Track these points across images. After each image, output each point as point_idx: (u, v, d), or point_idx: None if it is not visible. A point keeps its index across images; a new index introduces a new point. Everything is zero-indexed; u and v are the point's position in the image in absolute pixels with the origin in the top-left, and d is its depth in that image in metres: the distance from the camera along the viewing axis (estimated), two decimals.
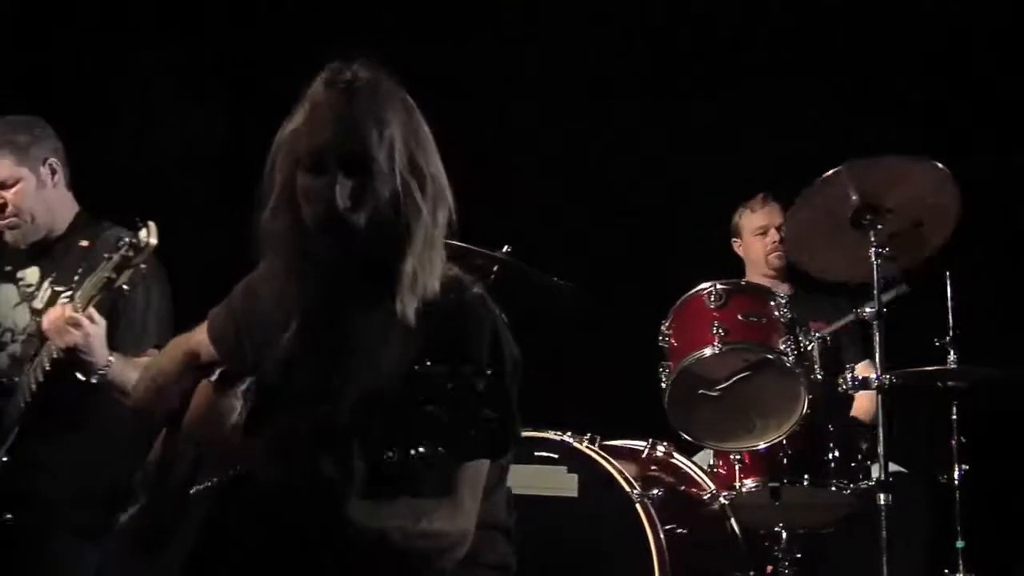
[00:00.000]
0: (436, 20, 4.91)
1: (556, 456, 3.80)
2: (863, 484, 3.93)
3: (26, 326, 3.74)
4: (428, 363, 2.28)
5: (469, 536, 2.34)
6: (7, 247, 3.83)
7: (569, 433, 3.84)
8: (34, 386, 3.53)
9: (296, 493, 2.21)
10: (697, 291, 3.97)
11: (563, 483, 3.77)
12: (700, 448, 4.24)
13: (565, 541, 3.73)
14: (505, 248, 4.18)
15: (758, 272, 4.69)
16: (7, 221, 3.74)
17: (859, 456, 4.02)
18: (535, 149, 4.86)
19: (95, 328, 3.44)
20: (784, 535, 4.04)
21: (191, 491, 2.41)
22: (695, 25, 4.88)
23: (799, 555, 4.06)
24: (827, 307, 4.41)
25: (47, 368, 3.51)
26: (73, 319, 3.40)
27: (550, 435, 3.84)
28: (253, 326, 2.55)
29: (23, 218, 3.74)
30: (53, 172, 3.78)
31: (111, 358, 3.48)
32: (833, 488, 3.94)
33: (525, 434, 3.85)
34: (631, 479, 3.72)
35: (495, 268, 4.18)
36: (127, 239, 3.33)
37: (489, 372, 2.33)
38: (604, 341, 4.65)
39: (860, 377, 3.87)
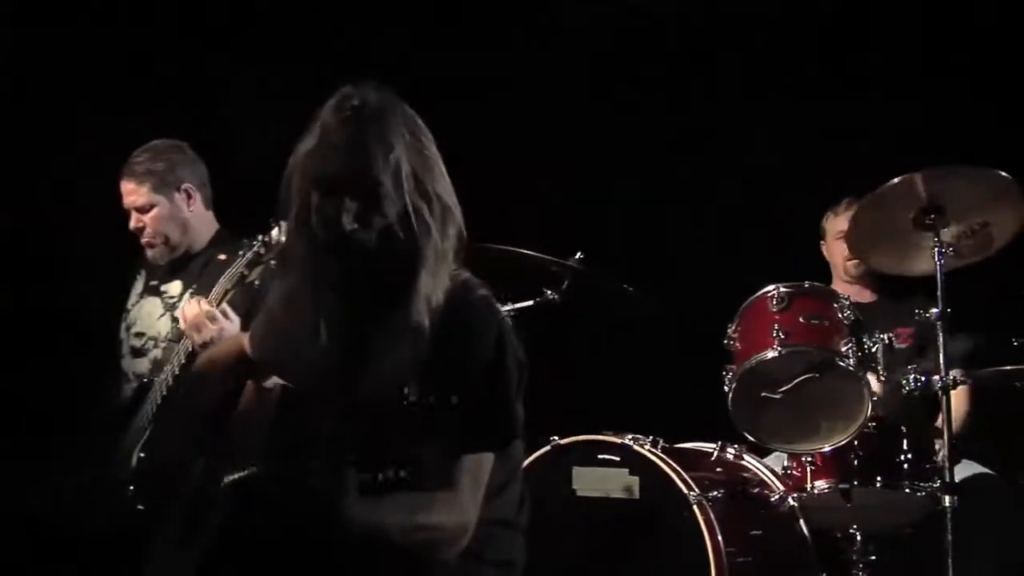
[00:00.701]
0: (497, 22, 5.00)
1: (618, 459, 3.88)
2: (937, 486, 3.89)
3: (167, 333, 4.01)
4: (434, 361, 2.44)
5: (468, 529, 2.45)
6: (152, 264, 4.16)
7: (631, 436, 3.90)
8: (169, 383, 3.78)
9: (294, 490, 2.36)
10: (761, 294, 4.00)
11: (624, 485, 3.85)
12: (772, 451, 4.27)
13: (627, 543, 3.83)
14: (578, 255, 4.28)
15: (839, 277, 4.68)
16: (146, 241, 4.08)
17: (934, 457, 3.98)
18: (605, 154, 4.91)
19: (229, 323, 3.68)
20: (859, 537, 4.04)
21: (221, 485, 2.58)
22: (782, 27, 4.86)
23: (874, 557, 4.04)
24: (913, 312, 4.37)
25: (182, 363, 3.77)
26: (210, 314, 3.65)
27: (612, 438, 3.92)
28: (283, 336, 2.69)
29: (158, 240, 4.06)
30: (188, 196, 4.08)
31: None
32: (907, 490, 3.92)
33: (588, 437, 3.96)
34: (690, 481, 3.76)
35: (568, 275, 4.29)
36: (260, 237, 3.58)
37: (491, 370, 2.49)
38: (683, 345, 4.68)
39: (924, 378, 3.85)
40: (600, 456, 3.91)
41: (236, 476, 2.49)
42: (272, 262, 3.58)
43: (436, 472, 2.43)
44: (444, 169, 2.56)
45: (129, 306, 4.19)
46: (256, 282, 3.66)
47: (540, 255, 4.23)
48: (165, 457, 3.60)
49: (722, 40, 4.90)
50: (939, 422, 3.86)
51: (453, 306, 2.50)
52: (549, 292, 4.30)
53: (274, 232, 3.54)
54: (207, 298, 3.71)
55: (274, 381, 2.74)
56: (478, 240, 4.11)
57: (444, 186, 2.54)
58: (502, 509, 2.59)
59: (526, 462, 3.91)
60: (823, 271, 4.69)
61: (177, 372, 3.79)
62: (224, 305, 3.69)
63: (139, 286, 4.21)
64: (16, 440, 4.82)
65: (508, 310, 4.33)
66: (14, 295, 5.06)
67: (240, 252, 3.63)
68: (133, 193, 4.05)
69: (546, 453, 3.97)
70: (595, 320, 4.56)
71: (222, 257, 3.82)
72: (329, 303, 2.54)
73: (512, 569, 2.63)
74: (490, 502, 2.52)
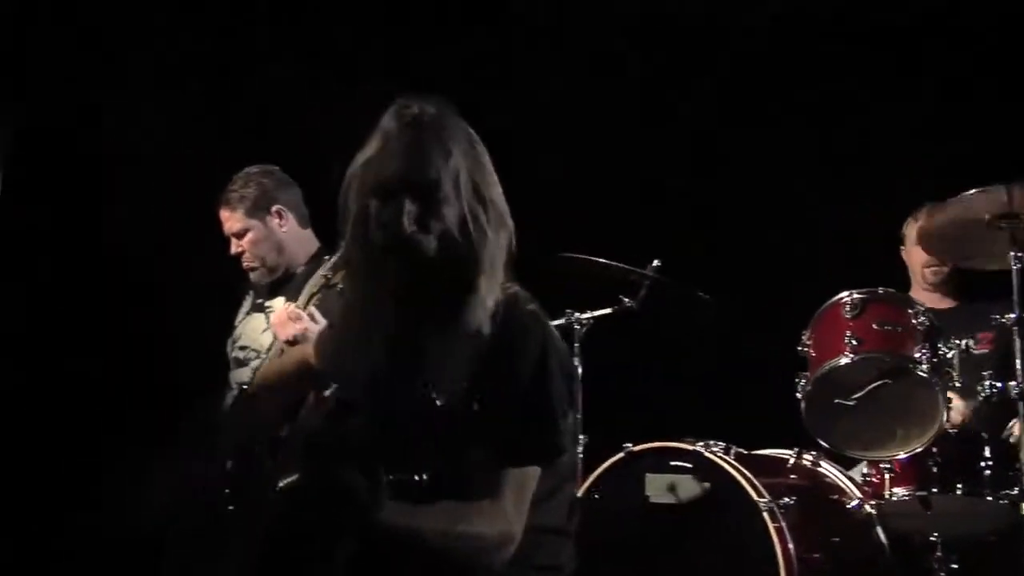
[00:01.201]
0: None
1: (690, 465, 3.90)
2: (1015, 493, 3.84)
3: (269, 345, 4.10)
4: (480, 375, 2.51)
5: (512, 539, 2.48)
6: (255, 285, 4.31)
7: (702, 443, 3.93)
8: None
9: (328, 494, 2.41)
10: (835, 301, 4.01)
11: (696, 492, 3.87)
12: (858, 460, 4.24)
13: (699, 549, 3.85)
14: (655, 263, 4.32)
15: (917, 283, 4.63)
16: (246, 265, 4.24)
17: (1017, 464, 3.92)
18: (682, 162, 4.92)
19: (315, 325, 3.74)
20: (940, 544, 4.00)
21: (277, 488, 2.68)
22: (858, 30, 4.82)
23: (956, 565, 3.99)
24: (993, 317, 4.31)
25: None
26: (294, 313, 3.76)
27: (684, 445, 3.94)
28: (341, 345, 2.76)
29: (257, 262, 4.22)
30: (281, 217, 4.21)
31: None
32: (989, 497, 3.88)
33: (661, 444, 4.00)
34: (760, 487, 3.76)
35: (645, 283, 4.34)
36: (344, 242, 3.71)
37: (536, 385, 2.54)
38: (763, 351, 4.66)
39: (1000, 384, 3.80)
40: (672, 463, 3.94)
41: (287, 481, 2.57)
42: None
43: (482, 482, 2.47)
44: (497, 179, 2.60)
45: (236, 323, 4.34)
46: (339, 286, 3.75)
47: (618, 264, 4.29)
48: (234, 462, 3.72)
49: (797, 44, 4.86)
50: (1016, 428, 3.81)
51: (501, 320, 2.53)
52: (626, 300, 4.36)
53: None
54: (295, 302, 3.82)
55: (332, 390, 2.81)
56: (557, 250, 4.25)
57: (498, 193, 2.57)
58: (550, 516, 2.61)
59: (599, 469, 4.04)
60: (904, 278, 4.65)
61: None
62: (311, 308, 3.78)
63: (247, 305, 4.35)
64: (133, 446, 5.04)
65: (587, 317, 4.41)
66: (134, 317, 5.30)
67: (326, 256, 3.75)
68: (229, 220, 4.22)
69: (619, 460, 4.02)
70: (672, 327, 4.57)
71: (321, 272, 3.87)
72: (385, 310, 2.57)
73: (559, 574, 2.65)
74: (538, 508, 2.54)
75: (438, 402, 2.51)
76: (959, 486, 3.90)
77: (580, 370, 4.35)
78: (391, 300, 2.58)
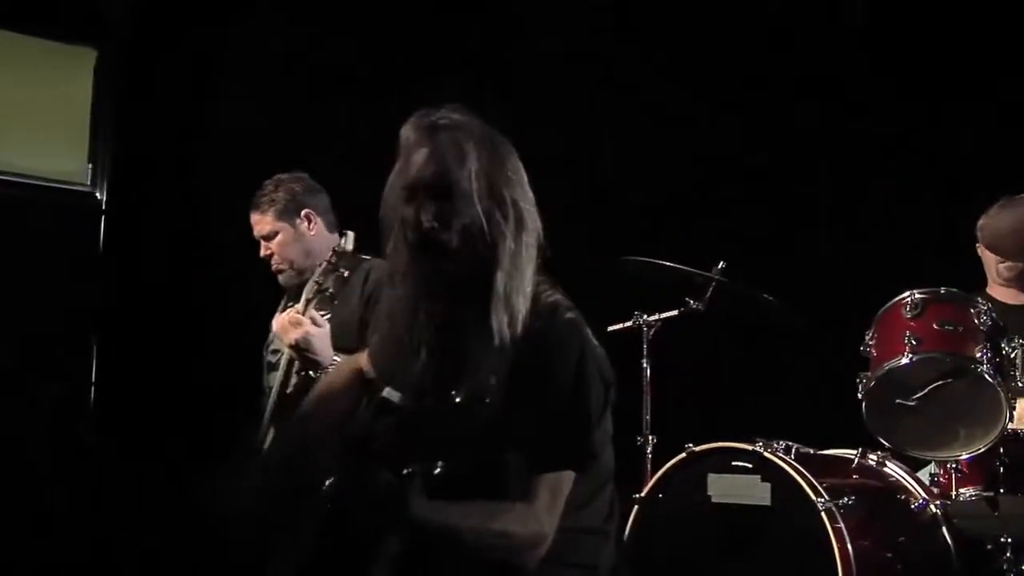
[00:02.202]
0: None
1: (751, 465, 3.92)
2: None
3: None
4: (516, 380, 2.59)
5: (543, 539, 2.56)
6: (287, 289, 4.41)
7: (763, 443, 3.95)
8: (274, 396, 4.03)
9: (360, 490, 2.53)
10: (896, 300, 3.98)
11: (757, 492, 3.89)
12: (926, 461, 4.22)
13: (760, 550, 3.87)
14: (720, 265, 4.36)
15: (993, 279, 4.59)
16: (274, 267, 4.35)
17: None
18: (745, 164, 4.92)
19: (317, 329, 3.90)
20: (1010, 546, 3.96)
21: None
22: (933, 29, 4.78)
23: None
24: None
25: (285, 371, 4.03)
26: (295, 319, 3.90)
27: (745, 445, 3.96)
28: (388, 349, 2.88)
29: (285, 264, 4.33)
30: (309, 221, 4.32)
31: (336, 358, 3.91)
32: None
33: (722, 444, 4.02)
34: (819, 488, 3.77)
35: (711, 285, 4.37)
36: (333, 247, 3.85)
37: (571, 393, 2.62)
38: (830, 352, 4.65)
39: None
40: (734, 463, 3.96)
41: (328, 484, 2.67)
42: (344, 271, 3.83)
43: (517, 485, 2.55)
44: (525, 181, 2.69)
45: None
46: (330, 290, 3.88)
47: (683, 266, 4.34)
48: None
49: (875, 44, 4.83)
50: None
51: (540, 327, 2.61)
52: (692, 302, 4.40)
53: (342, 241, 3.83)
54: (296, 306, 3.94)
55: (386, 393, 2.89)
56: (624, 253, 4.30)
57: (521, 194, 2.66)
58: (589, 518, 2.69)
59: (663, 469, 4.08)
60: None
61: (281, 379, 4.03)
62: (313, 312, 3.90)
63: (280, 309, 4.42)
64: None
65: (654, 319, 4.46)
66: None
67: (319, 263, 3.89)
68: (259, 223, 4.32)
69: (681, 460, 4.06)
70: (737, 329, 4.59)
71: (344, 274, 3.94)
72: (422, 311, 2.69)
73: (596, 572, 2.71)
74: (578, 512, 2.63)
75: (465, 402, 2.60)
76: None
77: (648, 371, 4.43)
78: (427, 301, 2.69)
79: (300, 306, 3.93)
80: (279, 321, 3.99)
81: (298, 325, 3.90)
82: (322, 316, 3.89)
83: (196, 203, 5.41)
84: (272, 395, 4.08)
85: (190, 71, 5.72)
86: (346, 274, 3.88)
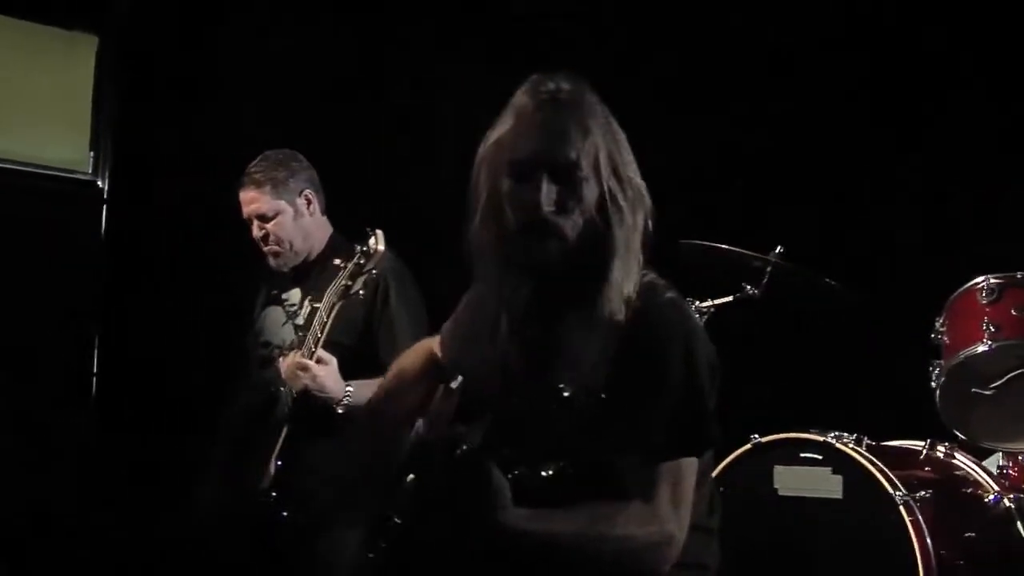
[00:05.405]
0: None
1: (820, 457, 3.78)
2: None
3: (291, 342, 4.07)
4: (623, 367, 2.42)
5: (669, 538, 2.39)
6: (274, 273, 4.22)
7: (834, 434, 3.81)
8: (294, 394, 3.88)
9: (458, 498, 2.35)
10: (970, 286, 3.87)
11: (827, 484, 3.75)
12: (992, 451, 4.10)
13: (830, 544, 3.74)
14: (778, 249, 4.21)
15: None
16: (270, 249, 4.13)
17: None
18: (805, 145, 4.78)
19: (323, 368, 3.78)
20: None
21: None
22: (990, 22, 4.64)
23: None
24: None
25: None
26: (301, 364, 3.77)
27: (815, 436, 3.82)
28: (471, 332, 2.70)
29: (283, 246, 4.11)
30: (308, 202, 4.13)
31: (349, 388, 3.81)
32: None
33: (790, 435, 3.88)
34: (896, 480, 3.64)
35: (768, 270, 4.22)
36: (359, 248, 3.67)
37: (683, 375, 2.44)
38: (890, 339, 4.52)
39: None
40: (802, 455, 3.82)
41: (408, 480, 2.51)
42: (372, 271, 3.69)
43: (633, 481, 2.39)
44: (633, 157, 2.51)
45: (255, 316, 4.27)
46: (360, 292, 3.74)
47: (740, 250, 4.19)
48: (340, 470, 3.66)
49: (938, 34, 4.69)
50: None
51: (640, 309, 2.45)
52: (749, 287, 4.25)
53: (371, 241, 3.65)
54: (319, 307, 3.80)
55: (459, 382, 2.73)
56: (678, 236, 4.15)
57: (635, 171, 2.50)
58: (693, 512, 2.49)
59: (726, 460, 3.94)
60: None
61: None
62: (320, 351, 3.77)
63: (262, 298, 4.28)
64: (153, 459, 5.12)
65: (708, 306, 4.30)
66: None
67: (342, 264, 3.73)
68: (255, 201, 4.08)
69: (747, 451, 3.91)
70: (796, 315, 4.45)
71: (337, 262, 3.82)
72: (516, 296, 2.52)
73: (705, 572, 2.57)
74: None
75: (570, 394, 2.42)
76: None
77: None
78: (523, 285, 2.51)
79: (324, 310, 3.77)
80: (286, 367, 3.85)
81: (305, 370, 3.77)
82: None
83: (198, 191, 5.23)
84: (287, 396, 3.91)
85: (192, 58, 5.61)
86: (375, 273, 3.72)
